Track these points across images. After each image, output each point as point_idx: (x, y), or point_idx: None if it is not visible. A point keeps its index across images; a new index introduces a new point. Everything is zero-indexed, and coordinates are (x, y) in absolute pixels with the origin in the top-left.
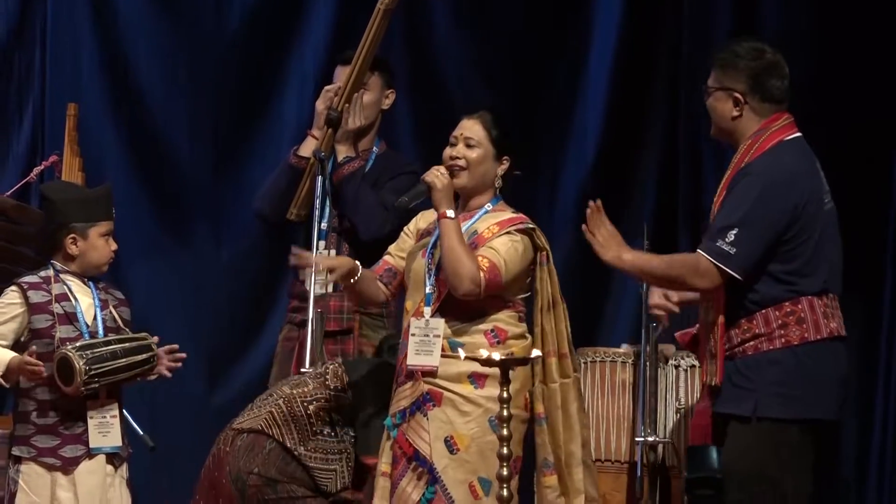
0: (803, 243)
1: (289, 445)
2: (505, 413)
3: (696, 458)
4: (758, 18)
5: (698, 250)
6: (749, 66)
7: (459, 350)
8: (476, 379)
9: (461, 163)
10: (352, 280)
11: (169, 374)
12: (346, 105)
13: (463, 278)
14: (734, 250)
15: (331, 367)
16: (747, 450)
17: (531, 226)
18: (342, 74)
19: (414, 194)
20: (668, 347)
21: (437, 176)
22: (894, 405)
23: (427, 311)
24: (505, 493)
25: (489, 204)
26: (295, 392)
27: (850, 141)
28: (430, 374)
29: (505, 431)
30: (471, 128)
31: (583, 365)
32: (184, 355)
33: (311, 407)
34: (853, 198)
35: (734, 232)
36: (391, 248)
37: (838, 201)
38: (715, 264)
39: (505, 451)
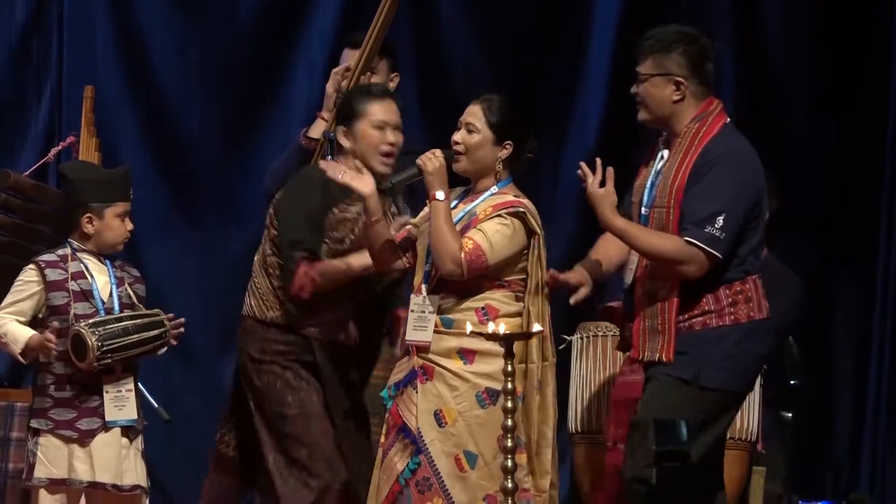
0: (758, 224)
1: (259, 316)
2: (509, 386)
3: (664, 431)
4: (758, 15)
5: (687, 238)
6: (688, 50)
7: (467, 324)
8: (465, 355)
9: (460, 148)
10: (373, 219)
11: (174, 342)
12: None
13: (444, 259)
14: (723, 235)
15: (271, 209)
16: (677, 405)
17: (522, 210)
18: (350, 57)
19: (402, 178)
20: None
21: (429, 159)
22: (886, 390)
23: (424, 288)
24: (510, 463)
25: (495, 187)
26: (258, 256)
27: (843, 130)
28: (424, 349)
29: (510, 404)
30: (474, 113)
31: (584, 339)
32: (182, 320)
33: (268, 260)
34: (848, 180)
35: (722, 217)
36: (414, 219)
37: (835, 186)
38: (707, 251)
39: (509, 422)
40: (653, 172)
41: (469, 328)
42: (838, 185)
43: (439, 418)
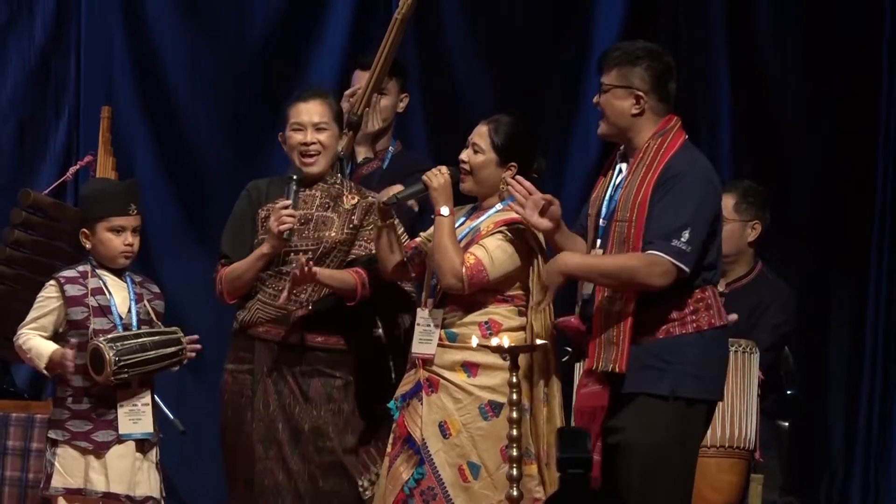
0: (716, 237)
1: (234, 326)
2: (514, 397)
3: (567, 440)
4: (752, 22)
5: (653, 251)
6: (652, 66)
7: (473, 338)
8: (469, 368)
9: (466, 167)
10: (386, 222)
11: (192, 355)
12: (366, 108)
13: (446, 273)
14: (689, 248)
15: None
16: (662, 426)
17: (523, 226)
18: (361, 79)
19: (409, 193)
20: None
21: (434, 175)
22: (879, 399)
23: (430, 302)
24: (515, 472)
25: (499, 204)
26: None
27: (835, 135)
28: (429, 361)
29: (515, 414)
30: (480, 133)
31: None
32: (196, 337)
33: None
34: (840, 188)
35: (688, 231)
36: (423, 233)
37: (827, 191)
38: (674, 263)
39: (514, 432)
40: (610, 185)
41: (475, 342)
42: (831, 194)
43: (444, 430)
